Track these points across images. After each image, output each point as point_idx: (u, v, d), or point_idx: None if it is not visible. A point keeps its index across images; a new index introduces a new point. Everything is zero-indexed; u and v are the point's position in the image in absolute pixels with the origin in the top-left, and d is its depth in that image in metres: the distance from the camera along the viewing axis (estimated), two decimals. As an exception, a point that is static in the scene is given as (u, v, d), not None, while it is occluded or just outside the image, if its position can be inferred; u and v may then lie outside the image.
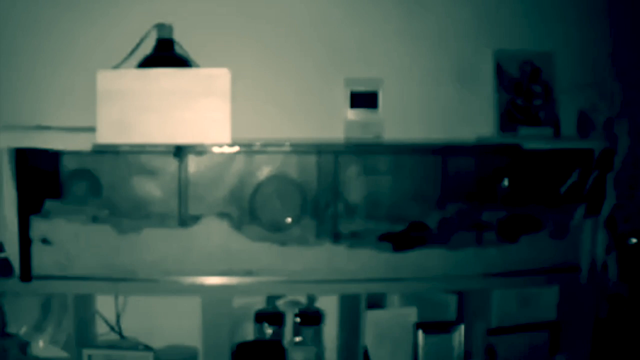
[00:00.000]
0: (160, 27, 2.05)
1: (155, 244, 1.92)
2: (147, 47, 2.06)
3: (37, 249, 1.88)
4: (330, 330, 2.22)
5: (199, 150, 1.95)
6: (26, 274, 1.88)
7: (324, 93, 2.26)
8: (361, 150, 2.11)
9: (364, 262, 1.99)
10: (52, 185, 1.96)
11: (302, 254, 1.97)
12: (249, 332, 2.17)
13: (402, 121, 2.23)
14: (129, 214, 1.96)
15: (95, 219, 1.93)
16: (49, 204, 1.92)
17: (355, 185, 2.09)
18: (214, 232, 1.95)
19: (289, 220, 2.02)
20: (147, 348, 2.08)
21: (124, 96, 1.80)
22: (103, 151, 1.89)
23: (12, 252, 1.88)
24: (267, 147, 1.99)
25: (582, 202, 2.08)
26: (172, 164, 1.97)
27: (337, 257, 1.98)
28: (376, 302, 2.14)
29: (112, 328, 2.20)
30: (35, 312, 2.04)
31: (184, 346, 2.14)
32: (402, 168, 2.14)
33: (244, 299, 2.15)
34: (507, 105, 2.31)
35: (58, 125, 2.01)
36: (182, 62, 2.02)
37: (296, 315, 2.17)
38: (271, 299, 2.16)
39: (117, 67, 2.04)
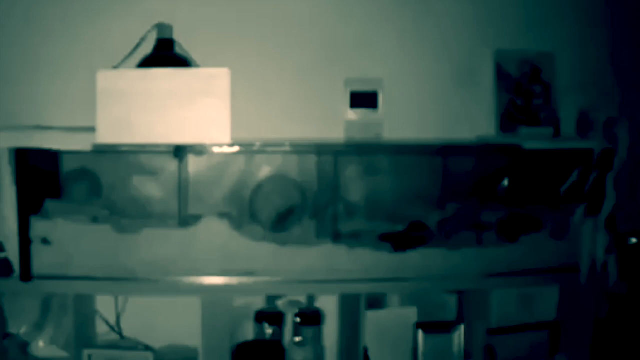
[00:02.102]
0: (160, 27, 2.05)
1: (155, 244, 1.92)
2: (147, 47, 2.06)
3: (37, 249, 1.88)
4: (330, 330, 2.22)
5: (199, 150, 1.94)
6: (26, 274, 1.88)
7: (324, 93, 2.25)
8: (361, 151, 2.11)
9: (364, 262, 1.99)
10: (52, 185, 1.96)
11: (302, 254, 1.97)
12: (249, 332, 2.17)
13: (402, 121, 2.22)
14: (129, 214, 1.96)
15: (95, 219, 1.93)
16: (49, 204, 1.92)
17: (355, 185, 2.09)
18: (214, 232, 1.95)
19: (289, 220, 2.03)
20: (147, 348, 2.08)
21: (124, 96, 1.80)
22: (103, 151, 1.89)
23: (12, 252, 1.88)
24: (267, 147, 1.99)
25: (582, 202, 2.08)
26: (172, 164, 1.97)
27: (337, 257, 1.98)
28: (376, 302, 2.14)
29: (112, 328, 2.19)
30: (35, 312, 2.04)
31: (184, 346, 2.14)
32: (402, 168, 2.14)
33: (244, 299, 2.15)
34: (507, 105, 2.31)
35: (58, 125, 2.01)
36: (182, 62, 2.02)
37: (296, 315, 2.16)
38: (271, 299, 2.16)
39: (117, 67, 2.05)
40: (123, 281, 1.92)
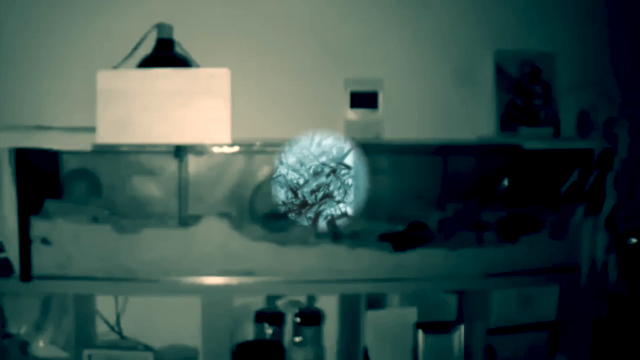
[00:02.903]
0: (160, 27, 2.05)
1: (155, 244, 1.92)
2: (147, 47, 2.06)
3: (37, 249, 1.88)
4: (330, 330, 2.22)
5: (199, 150, 1.95)
6: (26, 274, 1.88)
7: (324, 93, 2.25)
8: (361, 151, 2.11)
9: (364, 262, 1.99)
10: (52, 185, 1.96)
11: (302, 254, 1.97)
12: (249, 332, 2.17)
13: (402, 121, 2.22)
14: (129, 214, 1.96)
15: (95, 219, 1.93)
16: (49, 204, 1.92)
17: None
18: (214, 232, 1.95)
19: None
20: (147, 348, 2.08)
21: (124, 96, 1.80)
22: (103, 151, 1.89)
23: (12, 252, 1.88)
24: (267, 147, 1.99)
25: (582, 202, 2.08)
26: (172, 164, 1.97)
27: (337, 257, 1.98)
28: (376, 302, 2.14)
29: (112, 328, 2.19)
30: (35, 312, 2.04)
31: (184, 346, 2.14)
32: (402, 168, 2.14)
33: (244, 299, 2.15)
34: (507, 105, 2.31)
35: (58, 125, 2.01)
36: (182, 62, 2.02)
37: (296, 315, 2.16)
38: (271, 299, 2.16)
39: (117, 67, 2.04)
40: (123, 281, 1.92)
